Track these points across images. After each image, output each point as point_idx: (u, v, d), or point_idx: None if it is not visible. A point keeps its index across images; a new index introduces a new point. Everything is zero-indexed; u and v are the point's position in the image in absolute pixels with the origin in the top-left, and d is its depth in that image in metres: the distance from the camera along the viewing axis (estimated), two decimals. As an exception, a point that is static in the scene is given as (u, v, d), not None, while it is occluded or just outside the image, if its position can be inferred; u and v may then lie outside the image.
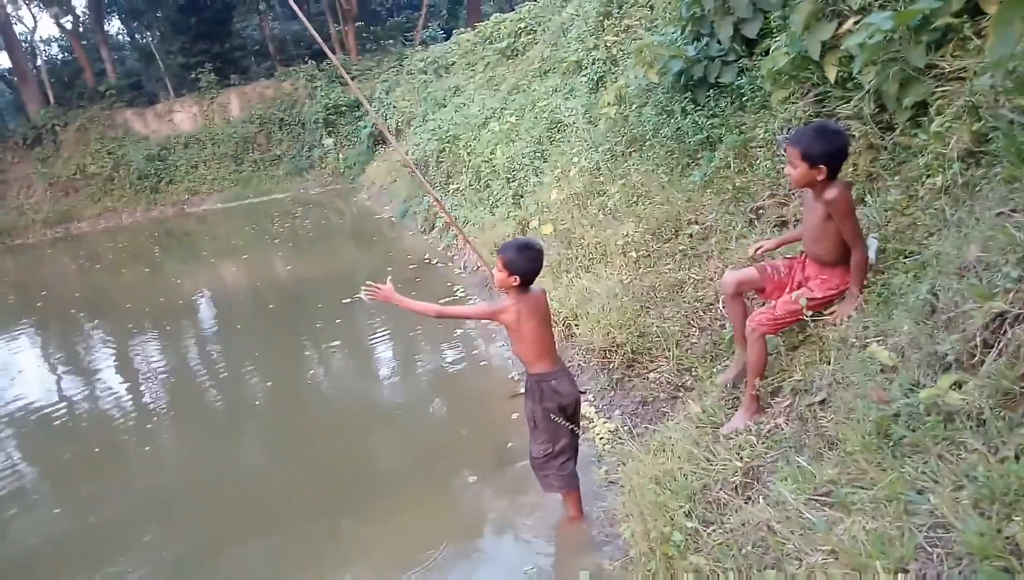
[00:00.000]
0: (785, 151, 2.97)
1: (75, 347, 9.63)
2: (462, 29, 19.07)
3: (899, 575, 1.75)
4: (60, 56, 32.41)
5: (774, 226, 4.04)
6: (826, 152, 2.77)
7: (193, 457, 5.51)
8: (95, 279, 14.65)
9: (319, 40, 4.77)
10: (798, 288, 3.09)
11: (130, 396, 7.03)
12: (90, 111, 24.93)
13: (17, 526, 4.71)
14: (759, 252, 3.47)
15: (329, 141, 22.12)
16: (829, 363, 2.89)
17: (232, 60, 27.73)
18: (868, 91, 3.40)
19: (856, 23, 3.32)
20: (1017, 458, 1.73)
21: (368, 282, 3.23)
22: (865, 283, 2.95)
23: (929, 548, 1.78)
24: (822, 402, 2.78)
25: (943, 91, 3.03)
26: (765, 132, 4.38)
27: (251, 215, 19.42)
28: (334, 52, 26.13)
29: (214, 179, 23.80)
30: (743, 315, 3.22)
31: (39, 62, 28.72)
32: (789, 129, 4.19)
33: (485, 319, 3.39)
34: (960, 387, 2.04)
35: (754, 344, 3.04)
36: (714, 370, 3.65)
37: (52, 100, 25.84)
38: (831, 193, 2.80)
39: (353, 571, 3.57)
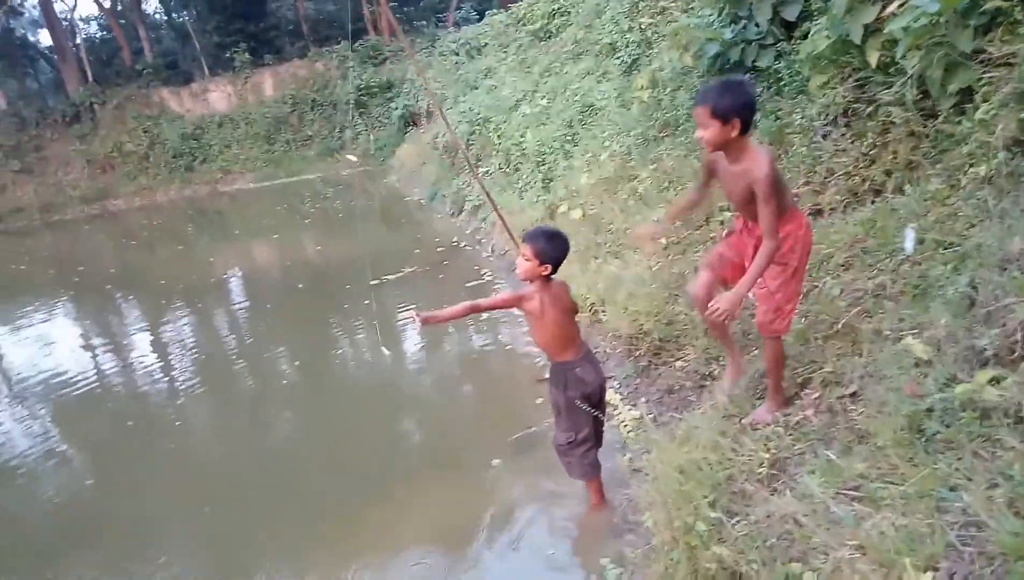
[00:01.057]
0: (693, 115, 2.76)
1: (109, 322, 9.83)
2: (495, 10, 18.98)
3: (929, 573, 1.71)
4: (98, 35, 32.96)
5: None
6: (736, 105, 2.58)
7: (221, 434, 5.61)
8: (130, 256, 14.94)
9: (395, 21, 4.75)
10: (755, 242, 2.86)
11: (162, 371, 7.16)
12: (127, 89, 25.37)
13: (50, 494, 4.83)
14: (667, 227, 3.24)
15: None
16: (861, 355, 2.84)
17: (267, 40, 27.95)
18: (911, 76, 3.30)
19: (900, 6, 3.21)
20: (1056, 458, 1.68)
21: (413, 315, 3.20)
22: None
23: (960, 547, 1.74)
24: (853, 395, 2.73)
25: (990, 77, 2.93)
26: (802, 118, 4.29)
27: (282, 195, 19.61)
28: (366, 32, 26.21)
29: (247, 159, 24.07)
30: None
31: (78, 40, 29.22)
32: (827, 116, 4.10)
33: (511, 307, 3.34)
34: (998, 383, 1.98)
35: (769, 346, 2.95)
36: (743, 359, 3.60)
37: (91, 78, 26.29)
38: (757, 170, 2.60)
39: (374, 553, 3.60)
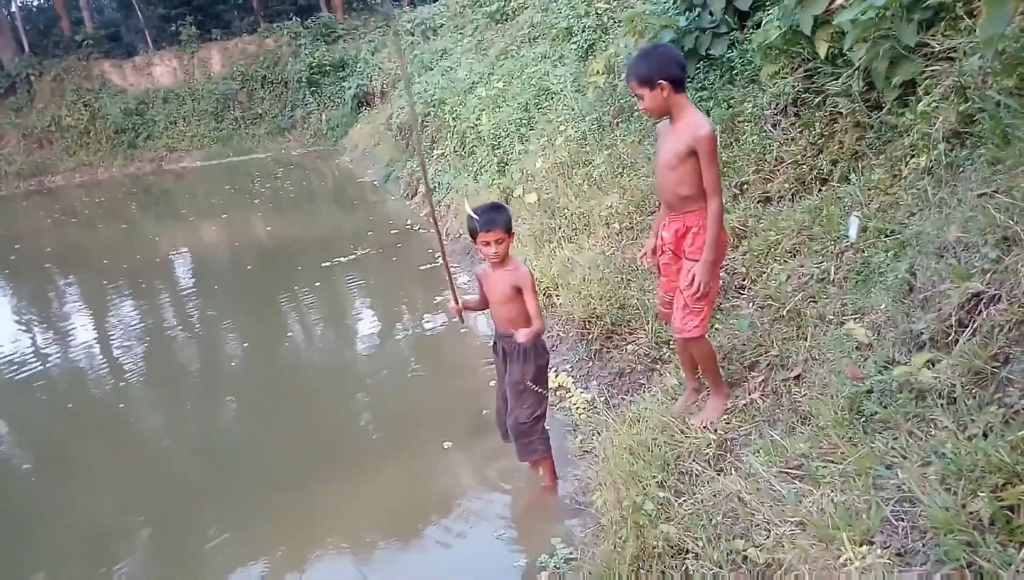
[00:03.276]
0: (630, 90, 2.82)
1: (48, 302, 9.47)
2: (451, -9, 18.71)
3: (864, 547, 1.78)
4: (35, 3, 31.44)
5: (758, 202, 4.04)
6: (655, 67, 2.65)
7: (166, 417, 5.47)
8: (70, 234, 14.39)
9: None
10: (679, 260, 2.89)
11: (103, 353, 6.94)
12: (66, 61, 24.27)
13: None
14: (650, 259, 3.18)
15: None
16: (806, 339, 2.92)
17: (214, 14, 27.10)
18: (858, 68, 3.38)
19: (849, -1, 3.28)
20: (985, 435, 1.76)
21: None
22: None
23: (895, 521, 1.81)
24: (797, 377, 2.80)
25: (932, 71, 3.02)
26: (753, 107, 4.35)
27: (231, 174, 19.12)
28: (319, 9, 25.62)
29: (193, 136, 23.35)
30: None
31: (13, 8, 27.82)
32: (777, 105, 4.17)
33: (518, 288, 3.34)
34: (933, 365, 2.06)
35: (694, 348, 2.95)
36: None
37: (27, 49, 25.11)
38: (700, 129, 2.62)
39: (326, 538, 3.57)
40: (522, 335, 3.16)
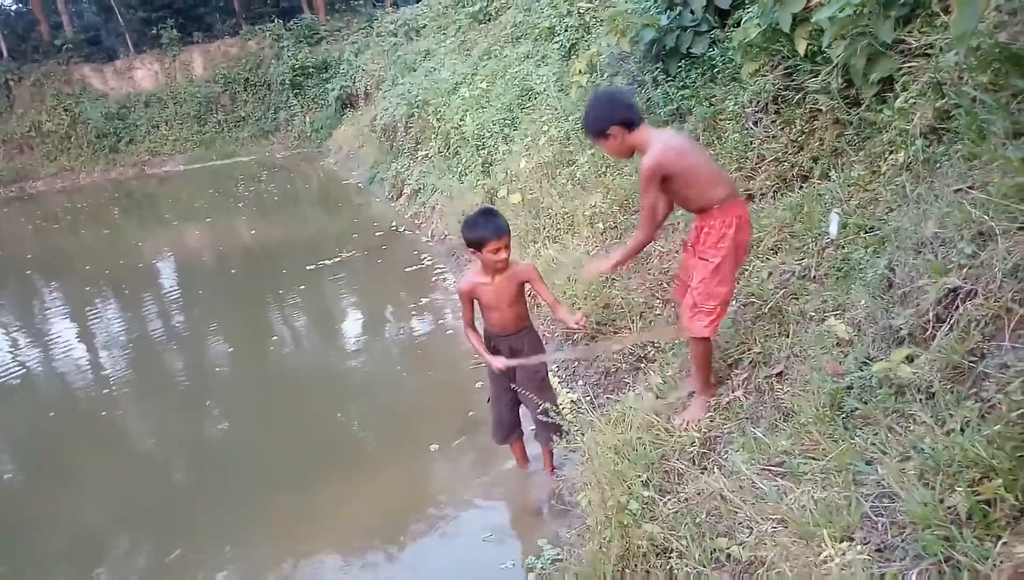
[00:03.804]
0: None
1: (30, 308, 9.37)
2: (434, -9, 18.67)
3: (845, 543, 1.78)
4: (13, 7, 31.05)
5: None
6: (607, 115, 2.71)
7: (150, 424, 5.42)
8: (52, 240, 14.24)
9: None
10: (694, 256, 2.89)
11: (87, 360, 6.88)
12: (45, 66, 24.01)
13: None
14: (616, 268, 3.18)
15: None
16: (788, 336, 2.92)
17: (195, 16, 26.90)
18: (836, 65, 3.40)
19: (827, -4, 3.30)
20: (962, 430, 1.77)
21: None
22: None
23: (875, 517, 1.82)
24: (779, 374, 2.81)
25: (909, 67, 3.04)
26: (735, 105, 4.37)
27: (214, 178, 18.99)
28: (301, 11, 25.50)
29: (176, 140, 23.19)
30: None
31: (-9, 12, 27.51)
32: (758, 103, 4.19)
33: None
34: (912, 361, 2.07)
35: (692, 346, 2.93)
36: (676, 342, 3.67)
37: (5, 53, 24.82)
38: (644, 160, 2.67)
39: (312, 541, 3.55)
40: (573, 320, 3.20)
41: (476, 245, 3.11)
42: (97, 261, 11.19)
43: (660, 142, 2.70)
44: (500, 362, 3.25)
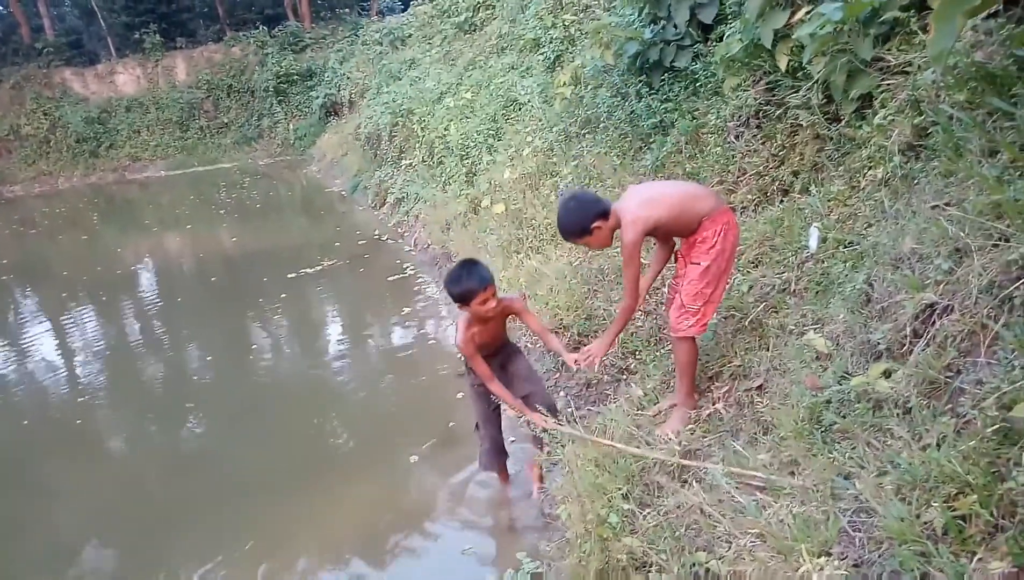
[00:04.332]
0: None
1: (5, 315, 9.22)
2: (420, 1, 18.71)
3: (823, 558, 1.79)
4: (-6, 9, 30.73)
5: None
6: (583, 216, 2.81)
7: (127, 433, 5.34)
8: (29, 245, 14.04)
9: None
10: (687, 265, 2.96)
11: (63, 367, 6.76)
12: (25, 69, 23.79)
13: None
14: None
15: None
16: (768, 350, 2.94)
17: (179, 22, 26.77)
18: (817, 81, 3.43)
19: (808, 13, 3.34)
20: (938, 446, 1.78)
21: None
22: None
23: (852, 532, 1.82)
24: (759, 388, 2.82)
25: (888, 84, 3.08)
26: (717, 118, 4.40)
27: (196, 184, 18.85)
28: (286, 18, 25.44)
29: (157, 145, 23.02)
30: None
31: (-30, 14, 27.20)
32: (739, 117, 4.22)
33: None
34: (889, 376, 2.09)
35: (677, 348, 2.95)
36: (658, 354, 3.67)
37: (-16, 55, 24.56)
38: (622, 236, 2.80)
39: (293, 551, 3.51)
40: (572, 358, 3.20)
41: (463, 299, 2.98)
42: (75, 267, 11.04)
43: (629, 212, 2.80)
44: (539, 419, 3.12)
